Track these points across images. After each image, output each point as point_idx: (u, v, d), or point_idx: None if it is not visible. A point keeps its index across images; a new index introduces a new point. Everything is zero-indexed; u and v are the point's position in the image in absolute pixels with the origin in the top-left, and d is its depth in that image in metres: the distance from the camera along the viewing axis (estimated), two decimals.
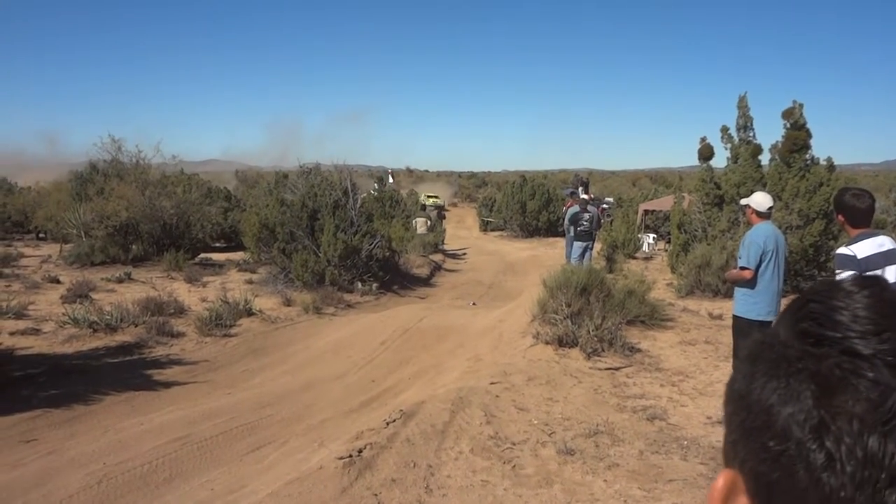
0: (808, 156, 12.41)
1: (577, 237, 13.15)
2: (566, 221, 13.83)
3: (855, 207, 3.93)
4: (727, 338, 8.28)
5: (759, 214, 5.54)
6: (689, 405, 5.87)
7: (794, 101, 12.55)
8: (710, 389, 6.30)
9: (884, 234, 4.02)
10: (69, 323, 9.31)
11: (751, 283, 5.43)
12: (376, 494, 3.91)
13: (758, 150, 12.64)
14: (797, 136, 12.26)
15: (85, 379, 7.50)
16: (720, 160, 13.77)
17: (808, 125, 12.46)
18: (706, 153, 13.13)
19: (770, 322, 5.57)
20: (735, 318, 5.60)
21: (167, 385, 7.59)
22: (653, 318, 8.87)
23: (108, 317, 9.41)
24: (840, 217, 4.02)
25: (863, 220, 3.93)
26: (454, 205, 50.37)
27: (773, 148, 12.67)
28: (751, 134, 13.16)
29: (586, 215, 13.05)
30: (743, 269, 5.44)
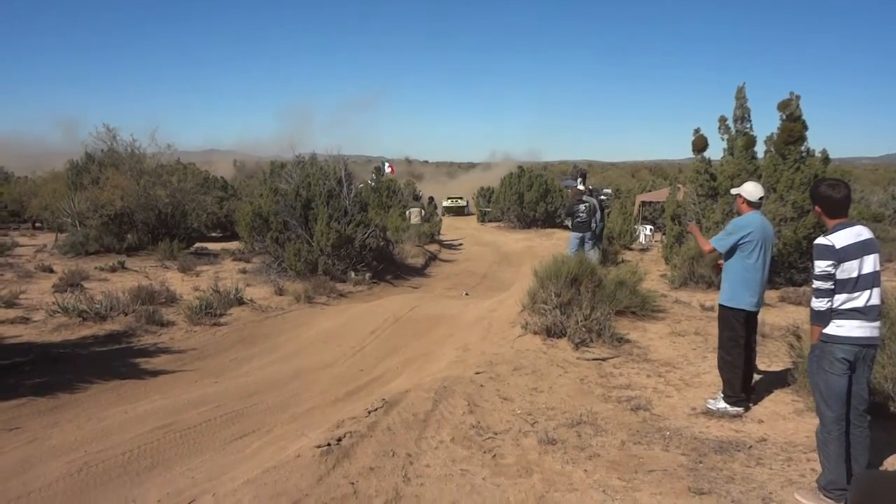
0: (803, 148, 12.35)
1: (575, 228, 13.12)
2: (564, 213, 13.77)
3: (831, 198, 3.90)
4: (717, 329, 8.27)
5: (750, 204, 5.51)
6: (675, 396, 5.84)
7: (791, 93, 12.48)
8: (696, 380, 6.28)
9: (860, 223, 3.99)
10: (59, 312, 9.28)
11: (737, 273, 5.40)
12: (353, 483, 3.89)
13: (751, 141, 12.58)
14: (793, 127, 12.19)
15: (72, 367, 7.47)
16: (717, 151, 13.72)
17: (805, 117, 12.41)
18: (700, 144, 13.07)
19: (755, 312, 5.55)
20: (720, 307, 5.59)
21: (154, 374, 7.56)
22: (644, 308, 8.84)
23: (97, 306, 9.38)
24: (817, 208, 3.98)
25: (839, 210, 3.90)
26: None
27: (769, 139, 12.60)
28: (748, 125, 13.09)
29: (582, 206, 12.95)
30: (712, 249, 5.50)
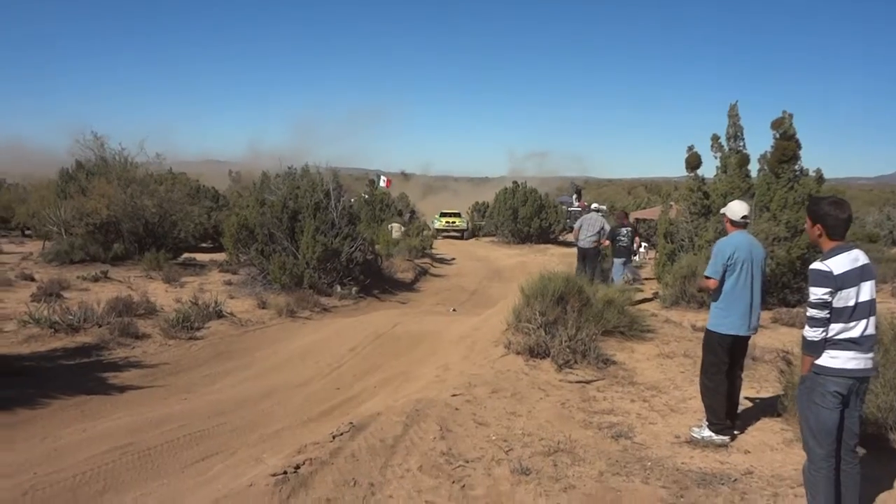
0: (797, 166, 12.18)
1: (617, 254, 12.89)
2: (594, 235, 13.27)
3: (836, 217, 3.60)
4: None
5: (734, 223, 5.32)
6: (659, 423, 5.58)
7: (784, 112, 12.33)
8: (682, 406, 6.02)
9: (856, 247, 3.73)
10: (30, 323, 9.00)
11: (720, 295, 5.17)
12: None
13: (745, 159, 12.41)
14: (786, 146, 12.02)
15: (36, 381, 7.19)
16: (710, 170, 13.52)
17: (799, 136, 12.25)
18: (693, 162, 12.88)
19: (746, 337, 5.29)
20: (707, 331, 5.34)
21: (122, 389, 7.28)
22: (632, 328, 8.58)
23: (70, 317, 9.10)
24: (817, 228, 3.67)
25: (841, 231, 3.63)
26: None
27: (762, 158, 12.43)
28: (741, 143, 12.93)
29: (624, 230, 12.84)
30: (707, 278, 5.22)
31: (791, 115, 12.23)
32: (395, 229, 24.02)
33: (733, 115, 12.87)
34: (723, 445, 5.02)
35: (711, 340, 5.23)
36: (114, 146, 19.61)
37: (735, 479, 4.42)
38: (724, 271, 5.13)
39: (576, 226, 13.72)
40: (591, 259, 13.11)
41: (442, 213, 39.67)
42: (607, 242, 12.86)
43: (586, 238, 12.94)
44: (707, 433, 5.11)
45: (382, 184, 33.83)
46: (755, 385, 6.68)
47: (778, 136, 12.21)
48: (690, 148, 13.14)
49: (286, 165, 18.41)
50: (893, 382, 4.89)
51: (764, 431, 5.41)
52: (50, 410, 6.52)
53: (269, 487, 3.80)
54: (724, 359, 5.18)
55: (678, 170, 13.46)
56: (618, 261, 12.82)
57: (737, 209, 5.31)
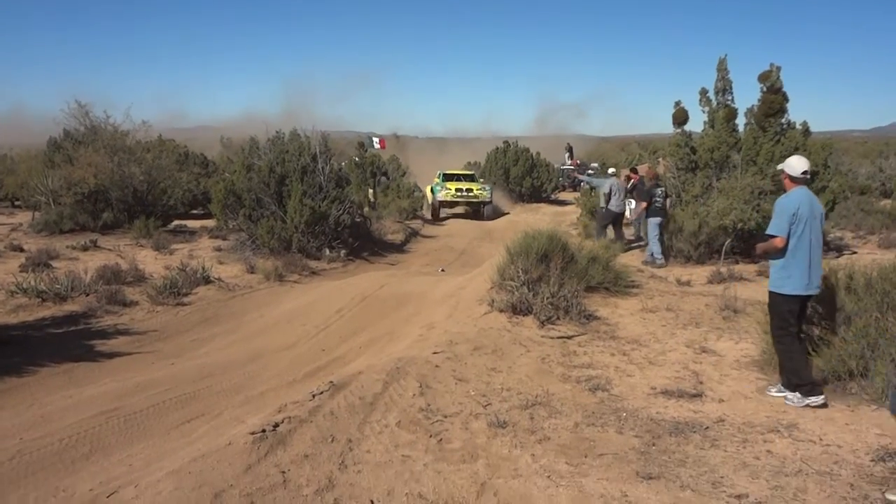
0: (783, 120, 12.14)
1: (651, 214, 12.40)
2: (620, 195, 13.87)
3: None
4: (689, 305, 8.12)
5: (794, 179, 5.06)
6: (636, 375, 5.67)
7: (772, 64, 12.23)
8: (660, 359, 6.11)
9: None
10: (18, 293, 9.03)
11: (783, 254, 4.96)
12: (284, 472, 3.69)
13: (732, 113, 12.35)
14: (773, 99, 11.96)
15: (24, 350, 7.25)
16: (699, 125, 13.45)
17: (790, 90, 12.20)
18: (680, 117, 12.82)
19: (808, 296, 5.03)
20: (770, 294, 5.13)
21: (110, 356, 7.34)
22: (616, 284, 8.64)
23: (58, 286, 9.13)
24: None
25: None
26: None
27: (749, 112, 12.37)
28: (729, 98, 12.85)
29: (659, 190, 12.42)
30: (771, 237, 4.98)
31: (779, 68, 12.15)
32: (370, 195, 23.66)
33: (722, 69, 12.76)
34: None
35: (776, 302, 5.05)
36: (99, 114, 19.41)
37: (707, 427, 4.51)
38: (789, 230, 4.93)
39: (604, 191, 14.39)
40: (619, 223, 14.38)
41: (445, 174, 26.42)
42: (645, 205, 12.51)
43: (619, 203, 13.94)
44: (797, 399, 4.85)
45: (376, 145, 33.56)
46: (734, 336, 6.78)
47: (765, 89, 12.14)
48: (678, 103, 13.06)
49: (274, 130, 18.30)
50: (864, 331, 4.97)
51: (739, 381, 5.51)
52: (37, 378, 6.58)
53: (248, 446, 3.87)
54: (791, 320, 4.99)
55: (671, 126, 13.32)
56: (653, 220, 12.36)
57: (796, 164, 5.07)
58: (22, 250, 13.86)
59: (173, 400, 5.93)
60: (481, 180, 27.38)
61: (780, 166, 5.25)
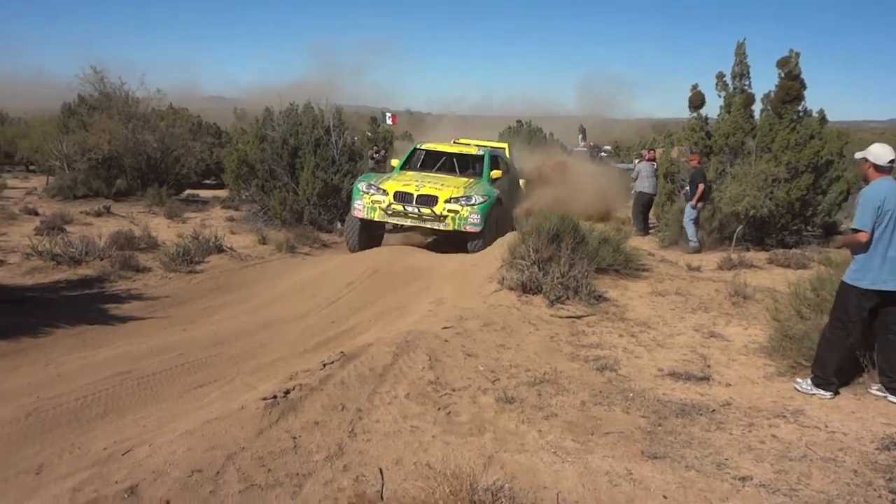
0: (800, 107, 12.03)
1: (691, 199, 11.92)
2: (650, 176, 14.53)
3: None
4: (699, 290, 8.14)
5: (879, 169, 4.76)
6: (644, 357, 5.71)
7: (791, 50, 12.11)
8: (669, 341, 6.14)
9: None
10: (33, 255, 9.13)
11: (866, 249, 4.69)
12: (295, 437, 3.77)
13: (749, 99, 12.24)
14: (791, 86, 11.84)
15: (39, 311, 7.34)
16: (716, 109, 13.33)
17: (809, 78, 12.06)
18: (697, 101, 12.74)
19: (892, 292, 4.65)
20: (841, 284, 4.87)
21: (123, 320, 7.44)
22: (627, 267, 8.65)
23: (72, 250, 9.22)
24: None
25: None
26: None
27: (766, 98, 12.26)
28: (746, 83, 12.73)
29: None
30: (855, 231, 4.71)
31: (798, 54, 12.03)
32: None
33: (740, 54, 12.64)
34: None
35: (845, 294, 4.80)
36: (114, 80, 19.41)
37: (713, 410, 4.55)
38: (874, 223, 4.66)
39: (645, 174, 14.90)
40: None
41: (421, 150, 13.37)
42: (702, 187, 11.72)
43: (648, 185, 14.70)
44: (807, 385, 4.86)
45: (388, 121, 33.41)
46: (743, 322, 6.80)
47: (783, 75, 12.03)
48: (694, 87, 12.98)
49: (288, 102, 18.26)
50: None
51: (747, 367, 5.54)
52: (52, 339, 6.68)
53: (260, 411, 3.94)
54: (854, 317, 4.72)
55: (686, 111, 13.24)
56: (690, 205, 11.95)
57: (881, 153, 4.76)
58: (37, 214, 13.99)
59: (186, 365, 6.01)
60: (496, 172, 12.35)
61: (861, 154, 4.91)
